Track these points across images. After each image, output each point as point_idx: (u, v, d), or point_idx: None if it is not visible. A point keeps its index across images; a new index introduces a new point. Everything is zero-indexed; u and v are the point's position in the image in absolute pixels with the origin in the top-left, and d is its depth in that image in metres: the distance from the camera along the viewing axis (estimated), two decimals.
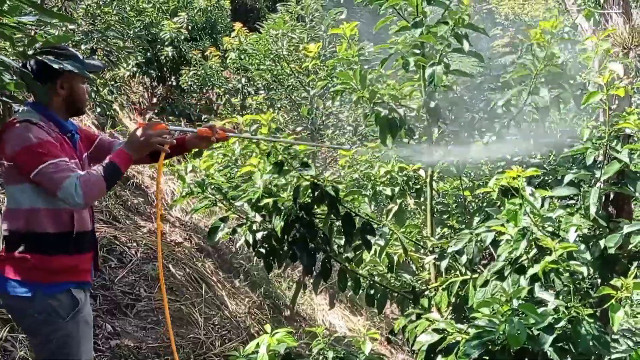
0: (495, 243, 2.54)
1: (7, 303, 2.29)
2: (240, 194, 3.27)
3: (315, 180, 3.04)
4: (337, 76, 3.10)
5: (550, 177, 3.16)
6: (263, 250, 3.29)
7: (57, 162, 2.17)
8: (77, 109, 2.46)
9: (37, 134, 2.21)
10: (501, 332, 1.87)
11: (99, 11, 5.84)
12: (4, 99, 2.56)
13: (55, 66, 2.24)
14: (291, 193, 3.05)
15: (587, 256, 2.17)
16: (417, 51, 2.88)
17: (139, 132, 2.32)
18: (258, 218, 3.21)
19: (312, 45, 3.61)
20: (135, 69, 7.95)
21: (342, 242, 3.26)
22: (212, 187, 3.29)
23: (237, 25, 8.26)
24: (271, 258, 3.31)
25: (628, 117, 2.54)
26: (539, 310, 1.92)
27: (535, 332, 1.92)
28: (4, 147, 2.20)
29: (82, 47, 5.47)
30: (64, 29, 5.31)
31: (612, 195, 3.28)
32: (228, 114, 7.96)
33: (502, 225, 2.42)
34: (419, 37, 2.71)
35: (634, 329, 3.55)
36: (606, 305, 1.90)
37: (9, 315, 2.33)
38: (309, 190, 3.04)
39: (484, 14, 15.27)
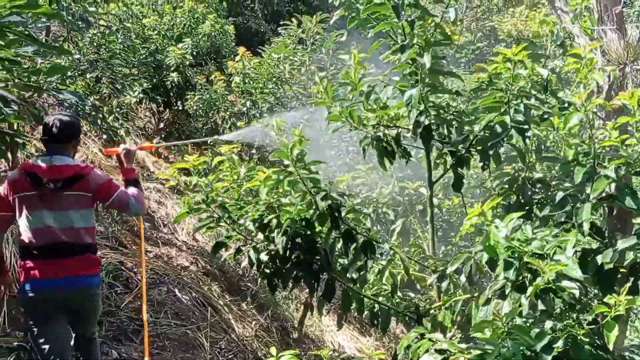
0: (492, 262, 2.53)
1: (92, 292, 3.09)
2: (243, 213, 3.32)
3: (325, 191, 3.04)
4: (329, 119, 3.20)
5: (549, 192, 3.16)
6: (267, 270, 3.30)
7: (121, 190, 3.18)
8: None
9: (106, 173, 3.20)
10: (496, 355, 1.85)
11: (103, 40, 5.94)
12: (7, 130, 2.62)
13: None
14: (297, 205, 3.06)
15: (579, 274, 2.13)
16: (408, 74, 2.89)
17: (132, 150, 3.42)
18: (260, 236, 3.24)
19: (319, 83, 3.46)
20: (141, 95, 8.05)
21: (345, 261, 3.27)
22: (216, 205, 3.33)
23: (241, 49, 8.36)
24: (275, 279, 3.32)
25: (612, 132, 2.55)
26: (537, 330, 1.90)
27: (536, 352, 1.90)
28: (89, 183, 3.04)
29: (88, 75, 5.56)
30: (70, 58, 5.40)
31: (615, 210, 3.25)
32: None
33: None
34: (403, 64, 2.76)
35: None
36: (602, 323, 1.88)
37: (82, 302, 3.07)
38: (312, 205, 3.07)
39: (487, 31, 15.35)
